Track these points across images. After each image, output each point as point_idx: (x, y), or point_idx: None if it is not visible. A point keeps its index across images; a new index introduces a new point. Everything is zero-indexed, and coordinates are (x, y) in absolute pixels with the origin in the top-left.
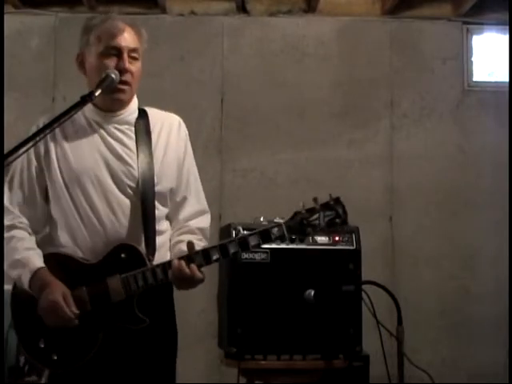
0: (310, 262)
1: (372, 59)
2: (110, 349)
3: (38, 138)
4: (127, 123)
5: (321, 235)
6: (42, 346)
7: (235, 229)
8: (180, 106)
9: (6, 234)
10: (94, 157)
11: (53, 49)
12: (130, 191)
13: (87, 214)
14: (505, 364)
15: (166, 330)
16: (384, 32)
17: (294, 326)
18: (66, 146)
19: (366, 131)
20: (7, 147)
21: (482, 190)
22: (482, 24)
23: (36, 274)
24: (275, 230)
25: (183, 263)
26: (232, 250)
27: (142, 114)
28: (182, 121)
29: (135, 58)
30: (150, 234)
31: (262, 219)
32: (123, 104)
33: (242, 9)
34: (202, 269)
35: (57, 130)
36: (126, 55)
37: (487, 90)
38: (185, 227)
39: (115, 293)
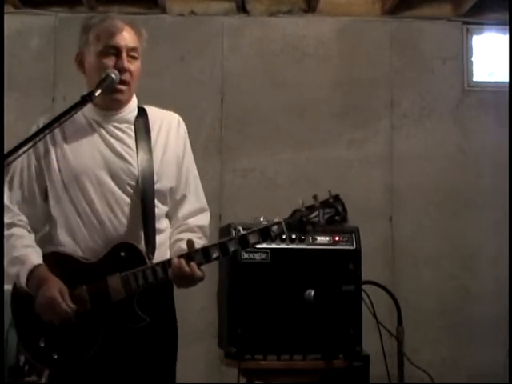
0: (309, 262)
1: (372, 59)
2: (110, 348)
3: (37, 138)
4: (127, 122)
5: (320, 235)
6: (43, 345)
7: (235, 229)
8: (180, 106)
9: (5, 232)
10: (93, 156)
11: (53, 49)
12: (129, 189)
13: (86, 213)
14: (505, 364)
15: (167, 329)
16: (384, 32)
17: (293, 326)
18: (66, 145)
19: (365, 131)
20: (7, 147)
21: (482, 190)
22: (482, 24)
23: (33, 271)
24: (275, 227)
25: (183, 261)
26: (232, 248)
27: (142, 113)
28: (181, 119)
29: (134, 57)
30: (150, 232)
31: (261, 219)
32: (122, 104)
33: (242, 9)
34: (202, 267)
35: (56, 130)
36: (124, 54)
37: (487, 89)
38: (184, 225)
39: (115, 291)
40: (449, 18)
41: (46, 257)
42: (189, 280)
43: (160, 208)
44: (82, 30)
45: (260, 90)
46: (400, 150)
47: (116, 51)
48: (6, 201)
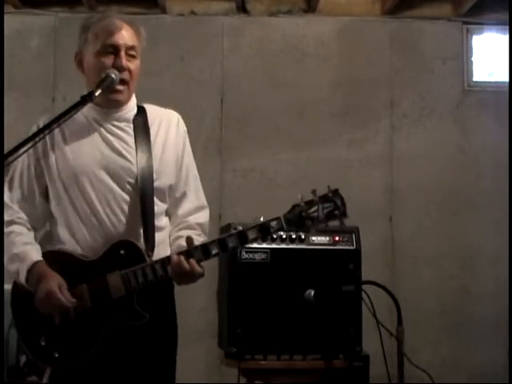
0: (310, 262)
1: (372, 59)
2: (110, 345)
3: (37, 139)
4: (126, 120)
5: (320, 235)
6: (43, 343)
7: (235, 229)
8: (180, 106)
9: (5, 229)
10: (92, 154)
11: (53, 49)
12: (128, 187)
13: (86, 212)
14: (505, 364)
15: (167, 326)
16: (384, 32)
17: (293, 326)
18: (65, 145)
19: (366, 131)
20: (7, 147)
21: (482, 190)
22: (482, 24)
23: (33, 267)
24: (274, 223)
25: (182, 258)
26: (231, 245)
27: (141, 111)
28: (180, 117)
29: (133, 56)
30: (149, 229)
31: (261, 219)
32: (121, 103)
33: (242, 9)
34: (202, 264)
35: (56, 130)
36: (123, 53)
37: (487, 89)
38: (184, 223)
39: (115, 289)
40: (449, 18)
41: (45, 255)
42: (189, 277)
43: (159, 206)
44: (80, 30)
45: (260, 90)
46: (400, 150)
47: (114, 50)
48: (6, 199)
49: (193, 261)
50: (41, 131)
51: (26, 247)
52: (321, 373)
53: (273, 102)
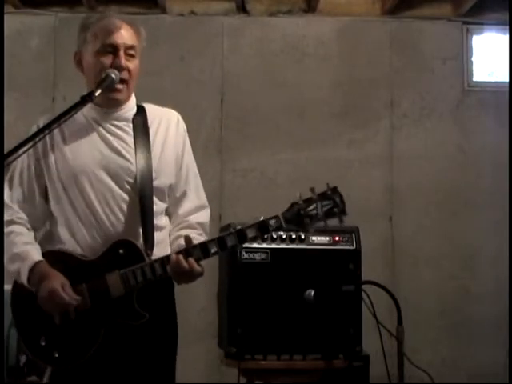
0: (309, 262)
1: (372, 59)
2: (111, 345)
3: (37, 139)
4: (125, 120)
5: (320, 235)
6: (43, 343)
7: (235, 229)
8: (180, 106)
9: (5, 229)
10: (91, 154)
11: (53, 49)
12: (127, 187)
13: (85, 211)
14: (505, 364)
15: (167, 326)
16: (384, 32)
17: (293, 326)
18: (65, 145)
19: (366, 131)
20: (7, 147)
21: (482, 190)
22: (482, 24)
23: (35, 267)
24: (272, 221)
25: (181, 257)
26: (230, 243)
27: (140, 110)
28: (180, 116)
29: (132, 56)
30: (148, 229)
31: (262, 219)
32: (121, 102)
33: (242, 9)
34: (202, 263)
35: (56, 130)
36: (122, 52)
37: (487, 90)
38: (184, 222)
39: (114, 289)
40: (449, 18)
41: (45, 255)
42: (188, 276)
43: (158, 205)
44: (80, 29)
45: (260, 90)
46: (400, 150)
47: (113, 49)
48: (6, 199)
49: (192, 260)
50: (41, 131)
51: (27, 247)
52: (321, 373)
53: (273, 102)
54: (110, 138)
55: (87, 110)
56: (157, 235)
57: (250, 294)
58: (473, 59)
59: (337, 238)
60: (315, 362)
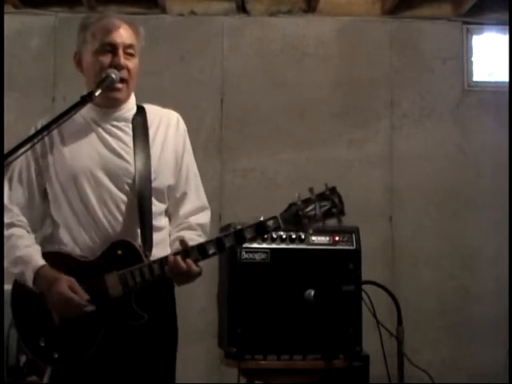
0: (309, 262)
1: (372, 59)
2: (110, 345)
3: (36, 140)
4: (125, 120)
5: (320, 235)
6: (43, 343)
7: (235, 229)
8: (180, 106)
9: (5, 232)
10: (90, 155)
11: (53, 49)
12: (126, 187)
13: (83, 212)
14: (505, 364)
15: (167, 326)
16: (384, 32)
17: (294, 326)
18: (64, 145)
19: (366, 131)
20: (7, 147)
21: (482, 190)
22: (482, 24)
23: (40, 271)
24: (271, 222)
25: (179, 258)
26: (228, 244)
27: (140, 111)
28: (180, 117)
29: (131, 55)
30: (147, 230)
31: (261, 219)
32: (120, 102)
33: (242, 9)
34: (202, 264)
35: (55, 131)
36: (121, 51)
37: (487, 89)
38: (184, 223)
39: (113, 289)
40: (449, 18)
41: (44, 257)
42: (186, 276)
43: (157, 206)
44: (79, 29)
45: (260, 90)
46: (400, 150)
47: (112, 48)
48: (6, 201)
49: (189, 260)
50: (40, 132)
51: (30, 250)
52: (321, 373)
53: (273, 101)
54: (109, 138)
55: (86, 111)
56: (156, 236)
57: (249, 294)
58: (473, 59)
59: (337, 238)
60: (315, 361)
